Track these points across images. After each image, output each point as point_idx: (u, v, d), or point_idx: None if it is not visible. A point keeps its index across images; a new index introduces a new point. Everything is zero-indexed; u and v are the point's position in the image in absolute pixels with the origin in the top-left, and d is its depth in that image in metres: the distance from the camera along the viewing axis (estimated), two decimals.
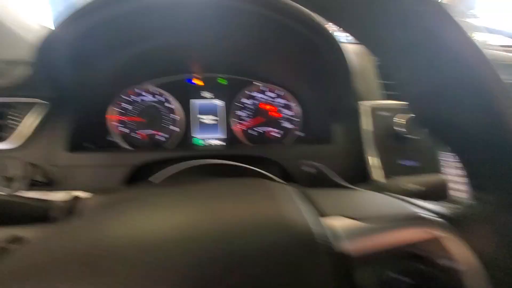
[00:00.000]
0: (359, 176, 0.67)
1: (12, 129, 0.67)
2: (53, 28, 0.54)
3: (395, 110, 0.67)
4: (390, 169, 0.63)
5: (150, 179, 0.62)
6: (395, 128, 0.65)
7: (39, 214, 0.45)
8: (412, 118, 0.64)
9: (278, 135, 0.89)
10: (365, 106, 0.67)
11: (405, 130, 0.64)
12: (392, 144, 0.66)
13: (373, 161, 0.64)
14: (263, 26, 0.59)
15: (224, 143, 0.89)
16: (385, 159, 0.64)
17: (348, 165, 0.68)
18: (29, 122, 0.67)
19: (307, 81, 0.79)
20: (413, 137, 0.65)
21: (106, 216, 0.27)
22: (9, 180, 0.62)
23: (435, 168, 0.63)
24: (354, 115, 0.69)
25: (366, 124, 0.66)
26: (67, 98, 0.70)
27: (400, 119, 0.65)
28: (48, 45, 0.56)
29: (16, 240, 0.37)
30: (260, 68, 0.84)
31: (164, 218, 0.26)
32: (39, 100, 0.68)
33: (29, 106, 0.68)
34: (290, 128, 0.90)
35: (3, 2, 0.85)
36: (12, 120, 0.67)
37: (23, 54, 0.87)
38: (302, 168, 0.40)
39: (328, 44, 0.57)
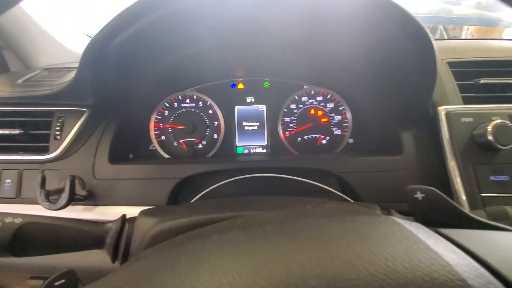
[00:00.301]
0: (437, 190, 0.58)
1: (55, 139, 0.64)
2: (97, 37, 0.50)
3: (478, 116, 0.58)
4: (480, 185, 0.53)
5: (203, 194, 0.56)
6: (482, 137, 0.55)
7: (88, 239, 0.40)
8: (500, 125, 0.54)
9: (327, 143, 0.82)
10: (445, 112, 0.58)
11: (492, 139, 0.54)
12: (478, 155, 0.56)
13: (458, 175, 0.54)
14: (337, 26, 0.52)
15: (267, 151, 0.82)
16: (471, 173, 0.54)
17: (424, 179, 0.59)
18: (72, 132, 0.63)
19: (370, 85, 0.70)
20: (503, 147, 0.54)
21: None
22: (51, 194, 0.58)
23: None
24: (428, 122, 0.60)
25: (447, 132, 0.57)
26: (110, 107, 0.66)
27: (486, 127, 0.55)
28: (93, 53, 0.52)
29: (67, 274, 0.32)
30: (313, 71, 0.77)
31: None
32: (82, 108, 0.64)
33: (72, 115, 0.65)
34: (340, 135, 0.81)
35: (47, 11, 0.84)
36: (56, 129, 0.64)
37: (65, 62, 0.86)
38: (410, 194, 0.32)
39: (421, 43, 0.48)
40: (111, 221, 0.42)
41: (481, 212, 0.37)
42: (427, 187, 0.31)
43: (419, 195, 0.32)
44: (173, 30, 0.56)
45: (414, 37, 0.48)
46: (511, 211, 0.35)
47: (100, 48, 0.51)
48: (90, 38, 0.50)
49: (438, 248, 0.20)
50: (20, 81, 0.71)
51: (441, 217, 0.30)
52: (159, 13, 0.48)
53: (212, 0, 0.47)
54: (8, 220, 0.36)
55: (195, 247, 0.24)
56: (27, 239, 0.36)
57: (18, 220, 0.36)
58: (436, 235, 0.23)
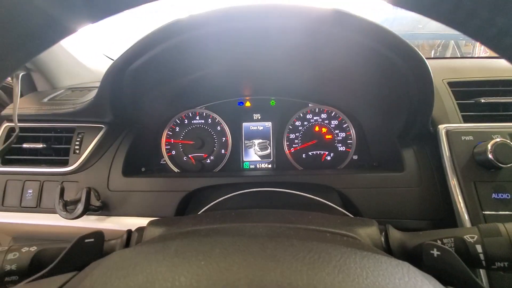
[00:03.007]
0: (438, 208, 0.59)
1: (75, 153, 0.69)
2: (118, 61, 0.56)
3: (478, 134, 0.59)
4: (482, 203, 0.54)
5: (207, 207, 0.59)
6: (482, 155, 0.56)
7: (97, 257, 0.43)
8: (500, 144, 0.55)
9: (331, 159, 0.83)
10: (445, 130, 0.59)
11: (492, 158, 0.55)
12: (479, 173, 0.56)
13: (459, 192, 0.55)
14: (338, 50, 0.56)
15: (273, 166, 0.85)
16: (473, 191, 0.55)
17: (425, 196, 0.59)
18: (90, 147, 0.68)
19: (371, 105, 0.73)
20: (503, 165, 0.55)
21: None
22: (69, 204, 0.63)
23: None
24: (429, 140, 0.61)
25: (447, 150, 0.58)
26: (125, 123, 0.71)
27: (486, 145, 0.56)
28: (113, 76, 0.57)
29: (96, 235, 0.36)
30: (318, 90, 0.80)
31: None
32: (100, 124, 0.69)
33: (91, 131, 0.70)
34: (344, 151, 0.83)
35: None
36: (76, 144, 0.69)
37: (87, 82, 0.93)
38: (427, 249, 0.34)
39: (415, 67, 0.51)
40: (117, 238, 0.44)
41: (474, 229, 0.38)
42: (445, 247, 0.33)
43: (435, 252, 0.33)
44: (184, 56, 0.61)
45: (409, 61, 0.51)
46: (502, 228, 0.36)
47: (120, 72, 0.56)
48: (111, 61, 0.56)
49: None
50: (45, 100, 0.77)
51: (453, 278, 0.31)
52: (172, 41, 0.53)
53: (218, 29, 0.51)
54: (24, 250, 0.39)
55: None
56: (43, 264, 0.39)
57: (33, 249, 0.40)
58: None
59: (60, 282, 0.26)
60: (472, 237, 0.36)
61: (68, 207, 0.62)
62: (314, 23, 0.50)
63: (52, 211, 0.65)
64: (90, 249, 0.36)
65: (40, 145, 0.70)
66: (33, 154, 0.71)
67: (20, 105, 0.73)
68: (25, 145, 0.70)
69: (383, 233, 0.41)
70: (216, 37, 0.56)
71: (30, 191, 0.68)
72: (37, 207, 0.67)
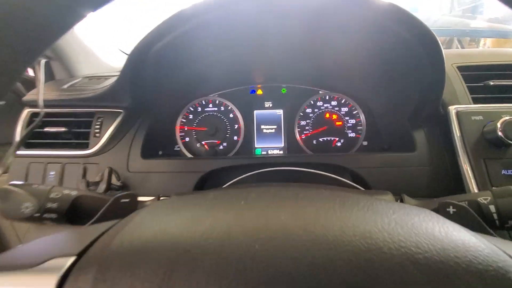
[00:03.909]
0: (449, 186, 0.60)
1: (95, 137, 0.71)
2: (139, 45, 0.58)
3: (488, 114, 0.60)
4: (490, 179, 0.55)
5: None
6: (492, 133, 0.57)
7: (128, 212, 0.46)
8: (509, 121, 0.56)
9: (341, 144, 0.85)
10: (455, 111, 0.61)
11: (502, 135, 0.57)
12: (489, 151, 0.58)
13: (470, 170, 0.57)
14: (350, 33, 0.58)
15: (284, 153, 0.87)
16: (483, 168, 0.56)
17: (436, 174, 0.61)
18: (109, 130, 0.71)
19: (383, 89, 0.74)
20: None
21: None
22: (91, 184, 0.65)
23: None
24: (440, 121, 0.63)
25: (458, 130, 0.60)
26: (142, 109, 0.74)
27: (496, 123, 0.58)
28: (134, 59, 0.60)
29: (131, 196, 0.39)
30: (328, 77, 0.82)
31: None
32: (119, 110, 0.72)
33: (110, 115, 0.72)
34: (355, 137, 0.85)
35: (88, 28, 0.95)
36: (96, 128, 0.72)
37: (102, 72, 0.96)
38: (443, 207, 0.35)
39: (430, 48, 0.53)
40: (148, 200, 0.47)
41: (488, 192, 0.39)
42: (461, 204, 0.35)
43: (451, 209, 0.35)
44: (197, 41, 0.63)
45: (422, 40, 0.53)
46: None
47: (141, 55, 0.59)
48: (127, 53, 0.58)
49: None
50: (65, 86, 0.80)
51: None
52: (189, 25, 0.56)
53: (229, 13, 0.54)
54: (66, 192, 0.42)
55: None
56: (81, 209, 0.42)
57: (74, 193, 0.42)
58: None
59: (106, 227, 0.28)
60: (486, 199, 0.38)
61: (89, 187, 0.65)
62: (326, 5, 0.52)
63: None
64: (126, 208, 0.39)
65: (61, 129, 0.73)
66: (54, 138, 0.74)
67: (43, 91, 0.76)
68: (47, 129, 0.73)
69: (398, 200, 0.43)
70: (226, 24, 0.58)
71: (52, 173, 0.71)
72: None
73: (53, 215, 0.40)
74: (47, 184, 0.42)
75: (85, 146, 0.72)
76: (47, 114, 0.74)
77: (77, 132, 0.74)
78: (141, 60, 0.61)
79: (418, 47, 0.53)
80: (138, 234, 0.22)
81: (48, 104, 0.74)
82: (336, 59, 0.73)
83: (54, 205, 0.40)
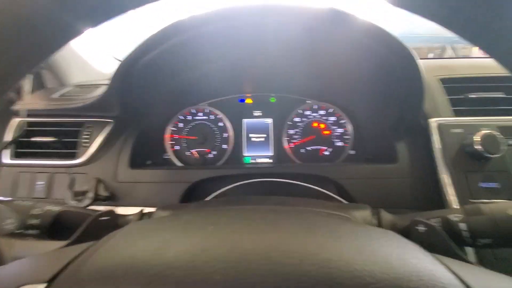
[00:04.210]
0: (430, 197, 0.62)
1: (83, 146, 0.72)
2: (127, 58, 0.59)
3: (467, 127, 0.62)
4: (470, 192, 0.57)
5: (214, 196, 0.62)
6: (471, 146, 0.59)
7: (112, 228, 0.46)
8: (488, 135, 0.58)
9: (329, 153, 0.87)
10: (435, 123, 0.62)
11: (481, 148, 0.58)
12: (469, 164, 0.59)
13: (450, 182, 0.58)
14: (334, 47, 0.59)
15: (273, 161, 0.88)
16: (463, 181, 0.58)
17: (417, 186, 0.63)
18: (98, 140, 0.72)
19: (366, 99, 0.76)
20: (491, 155, 0.58)
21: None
22: (78, 194, 0.66)
23: None
24: (421, 133, 0.64)
25: (438, 142, 0.61)
26: (132, 119, 0.74)
27: (475, 137, 0.59)
28: (123, 71, 0.61)
29: (112, 213, 0.39)
30: (316, 87, 0.83)
31: None
32: (108, 119, 0.73)
33: (98, 125, 0.73)
34: (342, 146, 0.86)
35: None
36: (84, 138, 0.72)
37: (93, 80, 0.96)
38: (413, 225, 0.37)
39: (406, 62, 0.55)
40: (132, 214, 0.48)
41: (460, 210, 0.41)
42: (430, 223, 0.36)
43: (420, 228, 0.36)
44: (188, 52, 0.64)
45: (399, 57, 0.54)
46: (484, 208, 0.39)
47: (129, 67, 0.60)
48: (120, 60, 0.59)
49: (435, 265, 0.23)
50: (55, 96, 0.80)
51: (438, 252, 0.34)
52: (177, 39, 0.57)
53: (219, 28, 0.55)
54: (48, 207, 0.42)
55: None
56: (63, 225, 0.42)
57: (56, 208, 0.43)
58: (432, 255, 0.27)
59: (79, 250, 0.29)
60: (458, 217, 0.39)
61: (77, 197, 0.66)
62: (311, 21, 0.53)
63: (62, 201, 0.68)
64: (105, 226, 0.39)
65: (49, 139, 0.73)
66: (43, 148, 0.74)
67: (31, 101, 0.76)
68: (35, 139, 0.73)
69: (376, 216, 0.44)
70: (217, 36, 0.60)
71: (41, 182, 0.71)
72: (47, 198, 0.70)
73: (35, 231, 0.41)
74: (30, 200, 0.43)
75: (74, 156, 0.72)
76: (36, 124, 0.75)
77: (65, 141, 0.74)
78: (130, 71, 0.62)
79: (396, 63, 0.55)
80: (108, 261, 0.23)
81: (37, 113, 0.75)
82: (323, 70, 0.74)
83: (36, 221, 0.40)
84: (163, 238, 0.26)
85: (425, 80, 0.57)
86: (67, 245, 0.35)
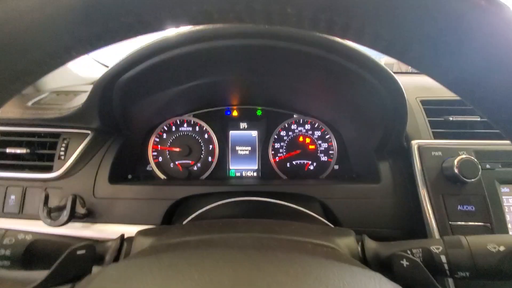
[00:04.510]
0: (411, 218, 0.63)
1: (59, 159, 0.68)
2: (109, 72, 0.57)
3: (446, 150, 0.64)
4: (449, 214, 0.59)
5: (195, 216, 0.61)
6: (449, 170, 0.61)
7: (88, 256, 0.44)
8: (465, 160, 0.60)
9: (314, 168, 0.87)
10: (417, 145, 0.64)
11: (458, 173, 0.60)
12: (447, 186, 0.61)
13: (429, 204, 0.60)
14: (316, 67, 0.59)
15: (258, 175, 0.88)
16: (442, 203, 0.60)
17: (399, 206, 0.64)
18: (75, 153, 0.68)
19: (350, 120, 0.77)
20: (468, 180, 0.60)
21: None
22: (53, 211, 0.62)
23: (489, 212, 0.58)
24: (403, 154, 0.66)
25: (418, 164, 0.63)
26: (112, 130, 0.72)
27: (453, 160, 0.61)
28: (104, 85, 0.58)
29: (88, 247, 0.37)
30: (301, 102, 0.84)
31: None
32: (86, 131, 0.70)
33: (76, 137, 0.70)
34: (326, 161, 0.87)
35: None
36: (61, 150, 0.69)
37: (72, 85, 0.92)
38: (397, 259, 0.37)
39: (391, 89, 0.56)
40: (111, 240, 0.46)
41: (440, 241, 0.42)
42: (413, 258, 0.37)
43: (404, 262, 0.37)
44: (173, 69, 0.62)
45: (384, 82, 0.55)
46: (464, 241, 0.40)
47: (110, 82, 0.58)
48: (99, 65, 0.57)
49: None
50: (30, 103, 0.76)
51: (420, 287, 0.35)
52: (161, 56, 0.55)
53: (207, 46, 0.53)
54: (20, 236, 0.40)
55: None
56: (36, 254, 0.40)
57: (29, 237, 0.40)
58: None
59: None
60: (438, 248, 0.40)
61: (52, 214, 0.62)
62: (292, 44, 0.53)
63: (34, 217, 0.64)
64: (82, 260, 0.37)
65: (23, 150, 0.69)
66: (16, 159, 0.70)
67: (3, 109, 0.72)
68: (8, 150, 0.69)
69: (360, 243, 0.45)
70: (204, 52, 0.58)
71: (13, 197, 0.67)
72: (20, 213, 0.67)
73: (6, 263, 0.38)
74: (0, 229, 0.40)
75: (49, 168, 0.69)
76: (8, 133, 0.71)
77: (40, 153, 0.70)
78: (112, 84, 0.59)
79: (380, 88, 0.56)
80: None
81: (10, 122, 0.71)
82: (309, 86, 0.74)
83: (7, 252, 0.38)
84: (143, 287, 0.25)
85: (407, 105, 0.58)
86: (42, 282, 0.33)
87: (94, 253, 0.39)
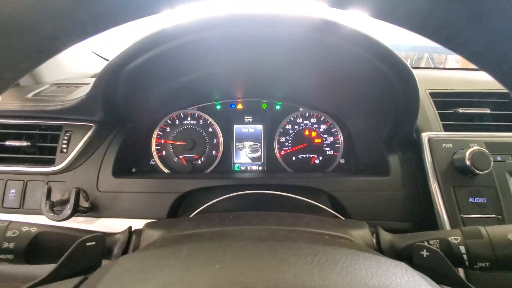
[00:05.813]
0: (422, 210, 0.62)
1: (62, 152, 0.66)
2: (113, 62, 0.55)
3: (457, 142, 0.63)
4: (460, 206, 0.58)
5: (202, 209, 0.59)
6: (461, 161, 0.60)
7: (98, 247, 0.43)
8: (476, 152, 0.59)
9: (320, 162, 0.86)
10: (427, 137, 0.63)
11: (470, 164, 0.59)
12: (458, 178, 0.61)
13: (440, 196, 0.59)
14: (330, 57, 0.58)
15: (263, 168, 0.86)
16: (453, 196, 0.59)
17: (409, 199, 0.63)
18: (79, 145, 0.66)
19: (359, 112, 0.76)
20: (480, 171, 0.60)
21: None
22: (55, 205, 0.61)
23: (501, 204, 0.58)
24: (413, 147, 0.65)
25: (429, 156, 0.62)
26: (116, 123, 0.70)
27: (464, 152, 0.61)
28: (108, 76, 0.57)
29: (98, 238, 0.36)
30: (308, 95, 0.83)
31: None
32: (89, 123, 0.68)
33: (79, 129, 0.68)
34: (333, 155, 0.86)
35: None
36: (63, 143, 0.67)
37: (72, 78, 0.90)
38: (417, 250, 0.37)
39: (405, 79, 0.54)
40: (119, 233, 0.44)
41: (458, 231, 0.41)
42: (434, 248, 0.36)
43: (424, 253, 0.36)
44: (178, 59, 0.61)
45: (397, 71, 0.54)
46: (484, 231, 0.40)
47: (114, 72, 0.56)
48: (99, 58, 0.55)
49: None
50: (30, 95, 0.74)
51: (440, 277, 0.34)
52: (165, 46, 0.54)
53: (208, 36, 0.52)
54: (24, 229, 0.38)
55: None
56: (41, 247, 0.38)
57: (33, 229, 0.39)
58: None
59: (69, 287, 0.26)
60: (456, 239, 0.39)
61: (55, 208, 0.60)
62: (303, 31, 0.52)
63: (36, 212, 0.62)
64: (91, 252, 0.36)
65: (24, 143, 0.67)
66: (16, 152, 0.68)
67: (2, 101, 0.70)
68: (8, 143, 0.67)
69: (374, 235, 0.44)
70: (208, 42, 0.57)
71: (13, 191, 0.65)
72: (20, 208, 0.65)
73: (10, 256, 0.36)
74: (3, 221, 0.38)
75: (51, 162, 0.67)
76: (8, 126, 0.69)
77: (42, 146, 0.68)
78: (116, 75, 0.58)
79: (394, 78, 0.55)
80: None
81: (10, 114, 0.69)
82: (317, 79, 0.73)
83: (11, 245, 0.36)
84: (163, 278, 0.23)
85: (419, 95, 0.57)
86: (51, 273, 0.32)
87: (103, 245, 0.37)
